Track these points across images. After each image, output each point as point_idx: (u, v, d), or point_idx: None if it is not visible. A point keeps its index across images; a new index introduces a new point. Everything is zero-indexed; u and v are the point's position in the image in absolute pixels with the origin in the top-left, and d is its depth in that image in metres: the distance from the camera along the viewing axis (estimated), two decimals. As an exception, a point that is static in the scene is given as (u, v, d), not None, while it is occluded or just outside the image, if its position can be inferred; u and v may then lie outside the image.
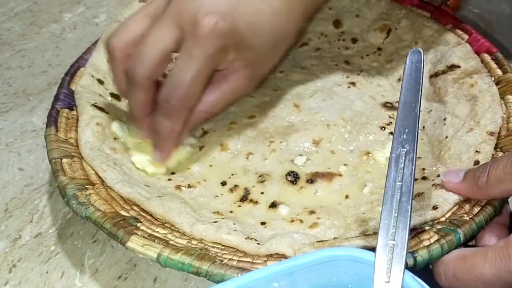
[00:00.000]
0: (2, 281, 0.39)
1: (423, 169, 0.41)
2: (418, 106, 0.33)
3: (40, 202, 0.45)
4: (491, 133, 0.40)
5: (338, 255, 0.29)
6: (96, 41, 0.50)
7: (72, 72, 0.47)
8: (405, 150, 0.32)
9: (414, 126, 0.33)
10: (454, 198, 0.37)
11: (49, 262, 0.40)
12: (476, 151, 0.40)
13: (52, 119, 0.42)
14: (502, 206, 0.36)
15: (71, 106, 0.44)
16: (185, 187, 0.41)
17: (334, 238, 0.36)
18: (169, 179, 0.42)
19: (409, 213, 0.30)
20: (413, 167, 0.31)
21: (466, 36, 0.49)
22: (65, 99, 0.44)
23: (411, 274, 0.28)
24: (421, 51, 0.36)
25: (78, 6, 0.67)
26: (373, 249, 0.29)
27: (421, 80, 0.34)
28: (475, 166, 0.38)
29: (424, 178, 0.40)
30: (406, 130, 0.32)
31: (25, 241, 0.41)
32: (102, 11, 0.66)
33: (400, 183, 0.30)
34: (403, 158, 0.31)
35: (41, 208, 0.44)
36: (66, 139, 0.42)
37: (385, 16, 0.55)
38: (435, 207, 0.36)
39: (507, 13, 0.60)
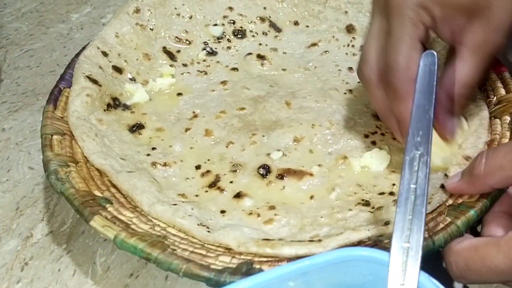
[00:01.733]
0: (14, 279, 0.39)
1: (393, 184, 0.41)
2: (432, 109, 0.33)
3: (51, 200, 0.45)
4: (467, 158, 0.39)
5: (353, 255, 0.29)
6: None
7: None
8: (419, 152, 0.32)
9: (428, 129, 0.32)
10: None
11: (60, 260, 0.40)
12: (445, 175, 0.39)
13: (53, 97, 0.44)
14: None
15: None
16: (160, 164, 0.43)
17: (279, 239, 0.36)
18: (148, 154, 0.44)
19: (423, 216, 0.29)
20: (428, 170, 0.31)
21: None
22: (70, 79, 0.46)
23: (427, 275, 0.28)
24: (435, 53, 0.35)
25: (85, 7, 0.68)
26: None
27: (435, 83, 0.34)
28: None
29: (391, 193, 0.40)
30: (420, 133, 0.32)
31: (36, 240, 0.42)
32: (109, 12, 0.67)
33: (415, 186, 0.30)
34: (417, 160, 0.31)
35: (52, 207, 0.44)
36: (62, 117, 0.43)
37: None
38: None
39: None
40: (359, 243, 0.34)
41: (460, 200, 0.36)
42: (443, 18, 0.36)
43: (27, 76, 0.58)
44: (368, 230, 0.35)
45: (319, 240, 0.35)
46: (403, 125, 0.37)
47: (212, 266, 0.33)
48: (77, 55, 0.49)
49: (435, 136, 0.38)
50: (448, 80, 0.38)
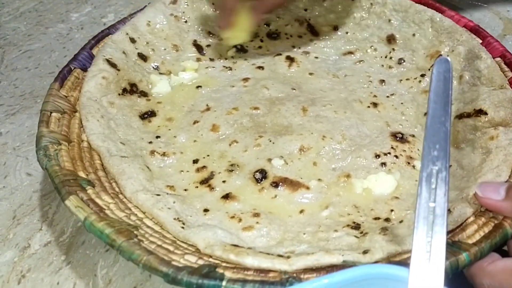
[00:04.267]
0: (10, 292, 0.37)
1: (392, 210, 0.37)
2: (449, 120, 0.30)
3: (49, 209, 0.43)
4: (478, 196, 0.34)
5: (372, 273, 0.28)
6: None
7: (99, 37, 0.49)
8: (437, 168, 0.29)
9: (445, 142, 0.30)
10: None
11: (60, 272, 0.38)
12: (448, 210, 0.34)
13: (61, 76, 0.45)
14: None
15: (86, 67, 0.47)
16: (159, 154, 0.43)
17: (248, 248, 0.34)
18: (150, 142, 0.44)
19: (444, 237, 0.27)
20: (447, 187, 0.29)
21: (510, 74, 0.43)
22: (82, 60, 0.47)
23: None
24: (449, 59, 0.33)
25: (85, 6, 0.66)
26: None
27: (450, 92, 0.32)
28: None
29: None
30: (437, 146, 0.30)
31: (34, 250, 0.40)
32: (110, 11, 0.65)
33: (434, 204, 0.28)
34: (435, 177, 0.29)
35: (50, 215, 0.42)
36: (66, 96, 0.44)
37: (442, 39, 0.49)
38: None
39: None
40: (331, 267, 0.32)
41: (456, 238, 0.32)
42: None
43: (25, 78, 0.56)
44: (342, 255, 0.32)
45: (288, 257, 0.32)
46: (225, 15, 0.48)
47: (173, 263, 0.32)
48: (89, 41, 0.49)
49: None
50: None
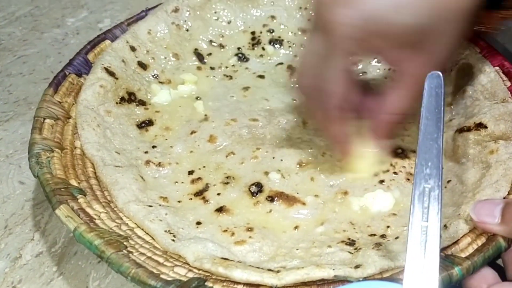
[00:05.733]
0: (1, 304, 0.36)
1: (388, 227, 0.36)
2: (441, 137, 0.30)
3: (42, 218, 0.42)
4: (478, 213, 0.33)
5: None
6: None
7: (95, 42, 0.49)
8: (429, 186, 0.29)
9: (438, 159, 0.29)
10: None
11: (51, 284, 0.37)
12: (445, 226, 0.33)
13: (55, 81, 0.45)
14: None
15: (81, 72, 0.46)
16: (155, 164, 0.42)
17: (238, 261, 0.33)
18: (146, 152, 0.43)
19: (437, 258, 0.27)
20: (440, 206, 0.28)
21: (508, 83, 0.42)
22: (77, 65, 0.47)
23: None
24: (440, 74, 0.32)
25: (81, 11, 0.65)
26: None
27: (442, 108, 0.31)
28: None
29: None
30: (429, 164, 0.29)
31: (25, 261, 0.39)
32: (106, 16, 0.64)
33: (426, 224, 0.28)
34: (428, 195, 0.28)
35: (43, 225, 0.41)
36: (60, 102, 0.43)
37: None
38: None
39: None
40: (322, 281, 0.31)
41: (449, 252, 0.32)
42: (386, 49, 0.36)
43: (19, 84, 0.55)
44: (333, 269, 0.31)
45: (278, 271, 0.32)
46: (339, 145, 0.40)
47: (162, 276, 0.32)
48: (85, 46, 0.48)
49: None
50: (384, 102, 0.38)
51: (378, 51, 0.37)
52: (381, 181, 0.40)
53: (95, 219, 0.35)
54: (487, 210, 0.32)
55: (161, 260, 0.34)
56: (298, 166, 0.42)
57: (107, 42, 0.49)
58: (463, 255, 0.31)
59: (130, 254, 0.33)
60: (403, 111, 0.38)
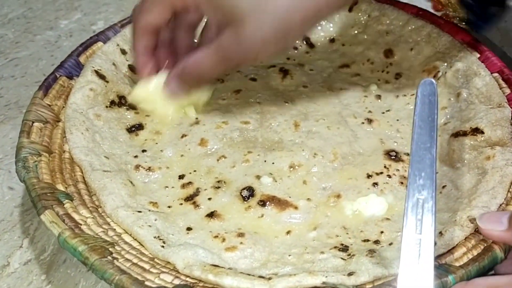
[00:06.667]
0: (-13, 314, 0.36)
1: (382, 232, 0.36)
2: (435, 146, 0.30)
3: (31, 225, 0.41)
4: (472, 220, 0.32)
5: None
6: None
7: (87, 44, 0.48)
8: (423, 197, 0.28)
9: (431, 169, 0.29)
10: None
11: None
12: (440, 232, 0.32)
13: (45, 84, 0.44)
14: None
15: (72, 75, 0.45)
16: (144, 168, 0.41)
17: (229, 268, 0.33)
18: (136, 156, 0.43)
19: (432, 271, 0.27)
20: (433, 217, 0.28)
21: (508, 91, 0.42)
22: (68, 68, 0.46)
23: None
24: (434, 81, 0.32)
25: (75, 13, 0.64)
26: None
27: (435, 117, 0.31)
28: None
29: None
30: (423, 174, 0.29)
31: (13, 269, 0.38)
32: (99, 18, 0.63)
33: (420, 236, 0.27)
34: (421, 207, 0.28)
35: (32, 232, 0.41)
36: (50, 105, 0.43)
37: (440, 55, 0.47)
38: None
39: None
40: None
41: (443, 260, 0.31)
42: (208, 9, 0.39)
43: (10, 87, 0.54)
44: (326, 276, 0.30)
45: (269, 278, 0.31)
46: (137, 61, 0.43)
47: (146, 283, 0.31)
48: (77, 48, 0.48)
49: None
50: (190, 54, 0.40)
51: (204, 7, 0.40)
52: (375, 184, 0.39)
53: (81, 224, 0.35)
54: (495, 218, 0.31)
55: (147, 266, 0.33)
56: (290, 168, 0.41)
57: (100, 44, 0.48)
58: (457, 264, 0.31)
59: (115, 261, 0.32)
60: (201, 70, 0.40)
